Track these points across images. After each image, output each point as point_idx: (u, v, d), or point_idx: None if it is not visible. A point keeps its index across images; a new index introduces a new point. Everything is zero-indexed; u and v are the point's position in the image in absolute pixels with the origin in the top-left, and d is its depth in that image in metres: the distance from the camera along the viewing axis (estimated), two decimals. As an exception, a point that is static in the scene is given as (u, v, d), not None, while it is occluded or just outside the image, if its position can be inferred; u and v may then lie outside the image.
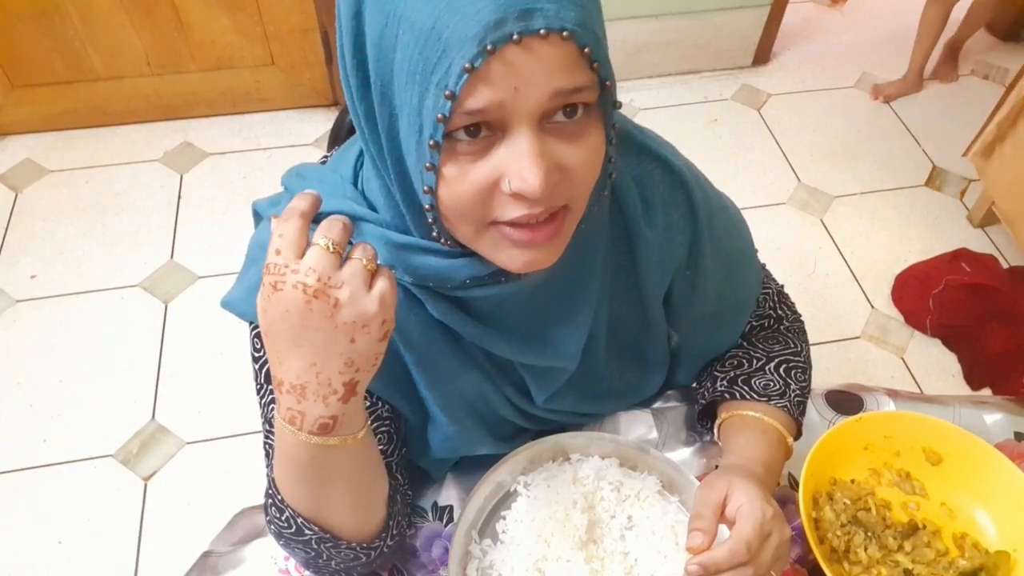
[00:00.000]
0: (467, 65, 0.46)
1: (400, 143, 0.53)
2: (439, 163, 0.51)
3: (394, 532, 0.70)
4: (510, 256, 0.57)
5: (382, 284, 0.53)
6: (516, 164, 0.50)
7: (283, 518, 0.64)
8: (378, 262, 0.54)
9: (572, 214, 0.57)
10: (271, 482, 0.65)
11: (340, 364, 0.53)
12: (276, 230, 0.52)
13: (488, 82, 0.47)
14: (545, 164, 0.50)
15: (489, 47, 0.46)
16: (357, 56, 0.52)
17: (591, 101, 0.52)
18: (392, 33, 0.48)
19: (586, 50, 0.48)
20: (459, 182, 0.52)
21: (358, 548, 0.66)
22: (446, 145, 0.50)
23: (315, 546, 0.65)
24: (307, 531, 0.63)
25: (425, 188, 0.53)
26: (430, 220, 0.56)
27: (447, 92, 0.47)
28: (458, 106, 0.48)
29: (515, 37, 0.46)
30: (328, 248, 0.51)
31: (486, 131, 0.50)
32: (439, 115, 0.48)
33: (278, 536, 0.66)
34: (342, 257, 0.52)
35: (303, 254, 0.51)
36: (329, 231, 0.52)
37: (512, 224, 0.54)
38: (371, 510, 0.67)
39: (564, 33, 0.47)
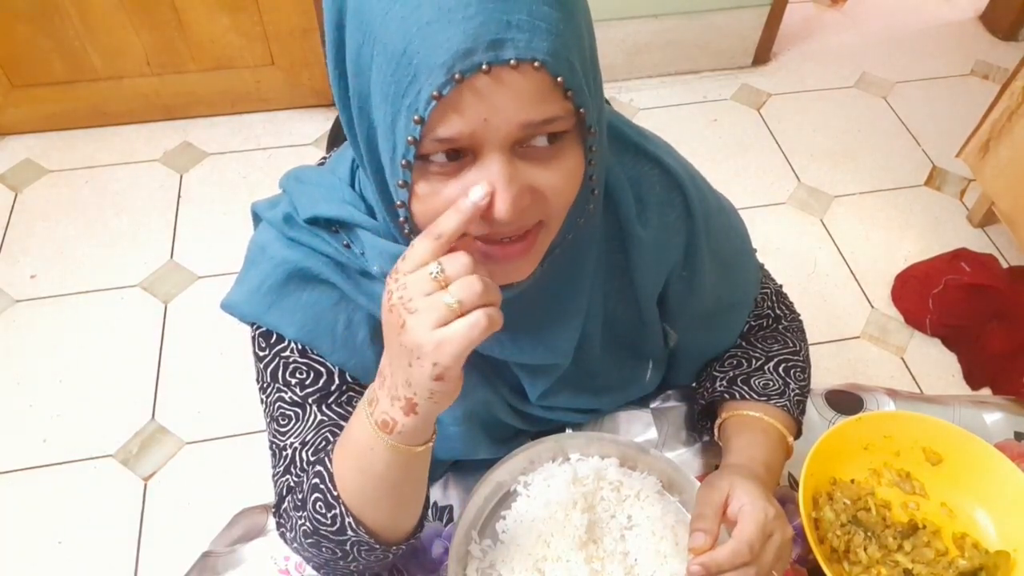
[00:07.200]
0: (435, 93, 0.46)
1: (379, 154, 0.54)
2: (411, 181, 0.52)
3: (418, 534, 0.70)
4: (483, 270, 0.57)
5: (450, 331, 0.50)
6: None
7: (330, 515, 0.63)
8: (482, 309, 0.51)
9: (547, 230, 0.58)
10: (328, 476, 0.64)
11: (401, 380, 0.53)
12: (418, 240, 0.52)
13: (458, 111, 0.47)
14: (515, 190, 0.51)
15: (457, 76, 0.46)
16: (339, 67, 0.53)
17: (566, 129, 0.52)
18: (368, 52, 0.49)
19: (559, 79, 0.48)
20: (431, 199, 0.53)
21: (389, 550, 0.66)
22: (419, 164, 0.51)
23: (348, 547, 0.65)
24: (350, 531, 0.63)
25: (398, 203, 0.54)
26: (406, 232, 0.57)
27: (416, 117, 0.47)
28: (428, 131, 0.48)
29: (484, 67, 0.46)
30: (430, 275, 0.51)
31: (458, 155, 0.51)
32: (409, 137, 0.48)
33: (310, 534, 0.65)
34: (441, 286, 0.51)
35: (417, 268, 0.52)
36: (449, 263, 0.51)
37: (484, 239, 0.55)
38: (409, 518, 0.67)
39: (535, 64, 0.47)
